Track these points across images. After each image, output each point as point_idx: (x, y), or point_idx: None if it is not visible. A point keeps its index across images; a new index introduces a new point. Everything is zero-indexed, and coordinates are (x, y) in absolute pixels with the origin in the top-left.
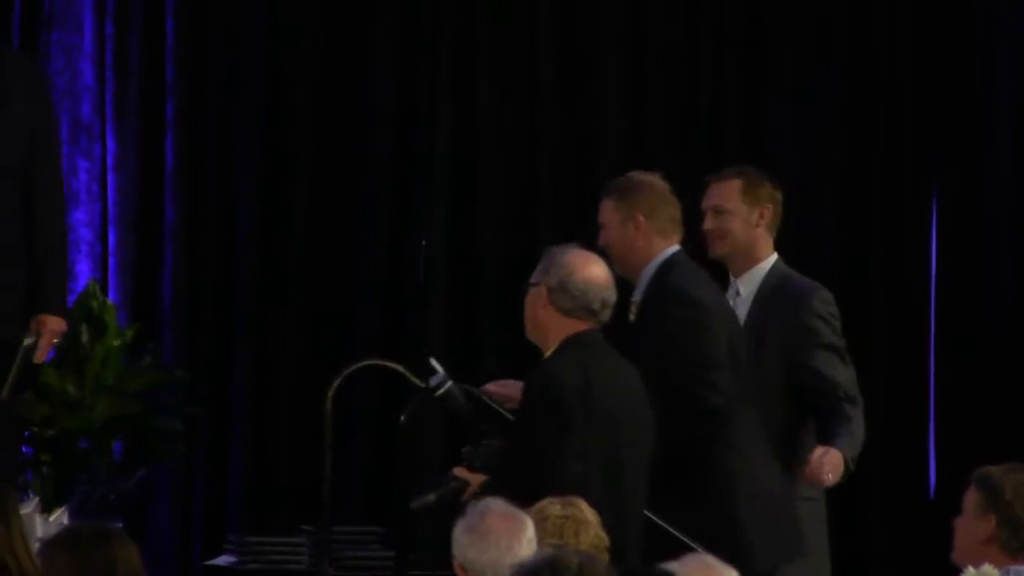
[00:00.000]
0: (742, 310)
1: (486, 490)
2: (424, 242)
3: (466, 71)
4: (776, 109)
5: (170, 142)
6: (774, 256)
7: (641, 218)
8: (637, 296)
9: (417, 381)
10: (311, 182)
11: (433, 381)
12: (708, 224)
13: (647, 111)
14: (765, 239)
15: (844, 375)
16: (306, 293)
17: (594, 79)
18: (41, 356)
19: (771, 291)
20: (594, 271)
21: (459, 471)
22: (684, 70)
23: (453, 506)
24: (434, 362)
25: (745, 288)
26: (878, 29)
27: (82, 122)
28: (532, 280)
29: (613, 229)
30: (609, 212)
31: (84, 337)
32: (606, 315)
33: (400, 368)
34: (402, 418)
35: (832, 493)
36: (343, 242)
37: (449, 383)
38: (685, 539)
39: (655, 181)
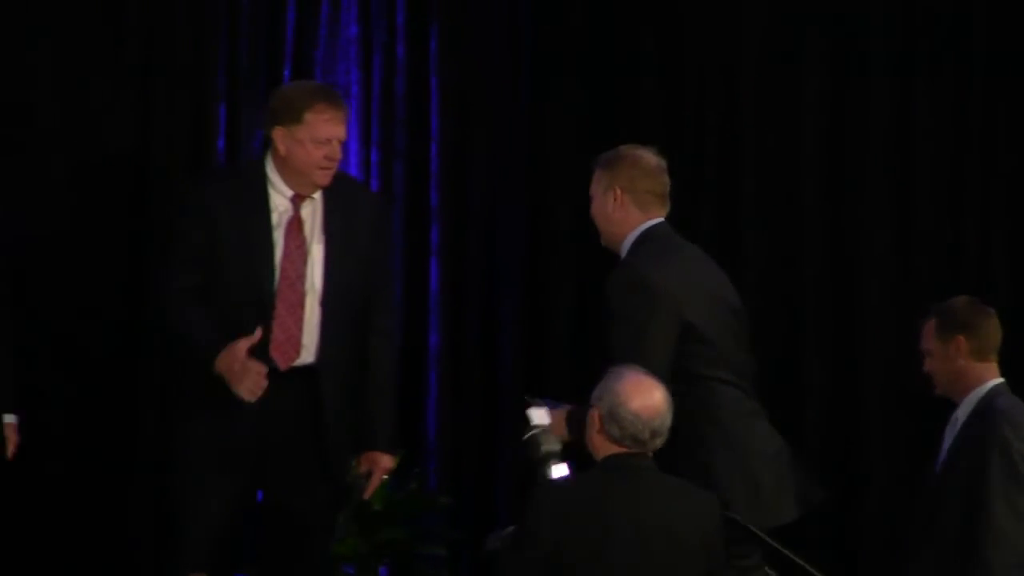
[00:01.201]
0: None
1: None
2: None
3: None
4: None
5: (434, 268)
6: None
7: (619, 190)
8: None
9: None
10: (570, 310)
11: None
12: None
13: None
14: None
15: None
16: None
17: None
18: (369, 493)
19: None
20: (646, 401)
21: None
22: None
23: None
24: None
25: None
26: None
27: None
28: (591, 401)
29: (595, 200)
30: (594, 183)
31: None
32: (657, 442)
33: None
34: None
35: None
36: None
37: (537, 431)
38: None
39: (641, 154)
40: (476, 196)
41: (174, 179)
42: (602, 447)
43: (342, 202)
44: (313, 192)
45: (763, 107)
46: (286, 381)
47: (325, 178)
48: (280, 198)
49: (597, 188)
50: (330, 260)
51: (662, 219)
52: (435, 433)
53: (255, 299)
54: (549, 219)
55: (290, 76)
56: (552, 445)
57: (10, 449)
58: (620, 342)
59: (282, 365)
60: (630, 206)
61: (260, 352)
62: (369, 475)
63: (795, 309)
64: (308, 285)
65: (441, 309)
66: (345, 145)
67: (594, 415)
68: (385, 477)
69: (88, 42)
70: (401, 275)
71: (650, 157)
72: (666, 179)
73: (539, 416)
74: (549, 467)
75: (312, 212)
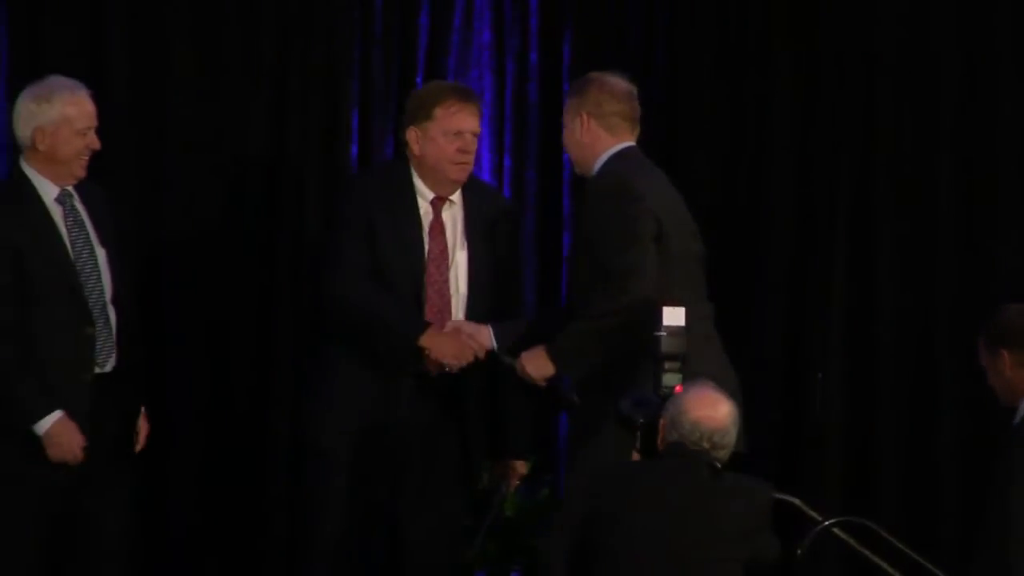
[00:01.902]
0: None
1: None
2: (820, 375)
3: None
4: None
5: (565, 274)
6: None
7: (586, 115)
8: (456, 192)
9: (816, 515)
10: None
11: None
12: None
13: None
14: None
15: None
16: None
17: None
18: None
19: None
20: (708, 412)
21: None
22: None
23: None
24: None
25: None
26: None
27: None
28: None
29: (566, 128)
30: (565, 112)
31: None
32: (720, 454)
33: (798, 503)
34: (798, 552)
35: None
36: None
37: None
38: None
39: (609, 79)
40: None
41: (307, 184)
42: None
43: (480, 206)
44: (452, 193)
45: (900, 108)
46: (430, 387)
47: (460, 172)
48: (422, 201)
49: (567, 116)
50: (473, 265)
51: (632, 143)
52: (566, 439)
53: (412, 298)
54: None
55: (422, 82)
56: (674, 348)
57: (141, 437)
58: (614, 250)
59: (434, 370)
60: (598, 129)
61: (414, 357)
62: (504, 481)
63: (929, 309)
64: (453, 290)
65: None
66: (478, 152)
67: (661, 423)
68: (517, 483)
69: (224, 47)
70: (532, 281)
71: (618, 81)
72: (635, 104)
73: (673, 316)
74: (664, 370)
75: (453, 216)
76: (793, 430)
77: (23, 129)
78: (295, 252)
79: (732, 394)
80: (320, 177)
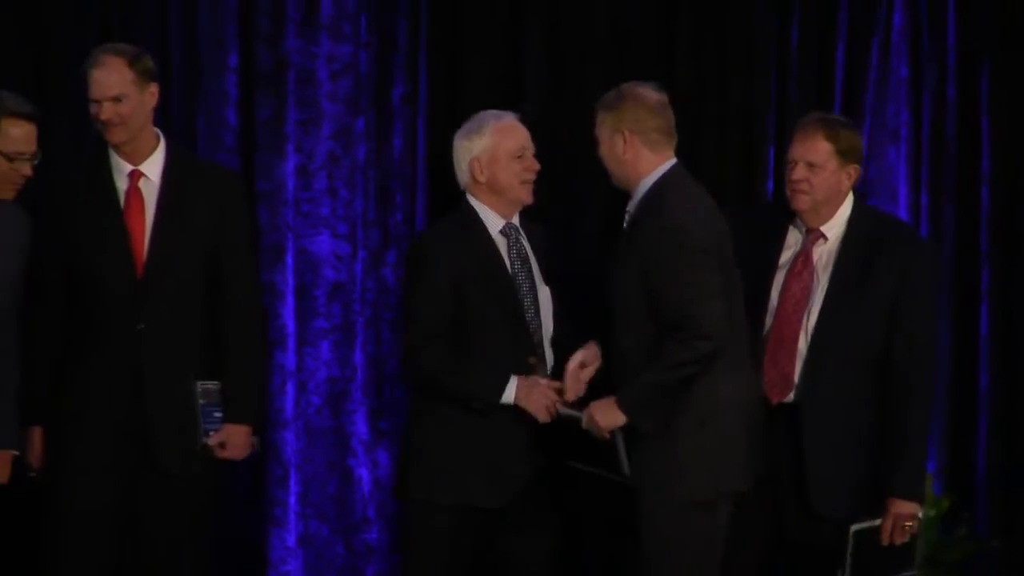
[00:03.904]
0: None
1: None
2: None
3: None
4: None
5: (984, 311)
6: None
7: (627, 132)
8: (631, 208)
9: None
10: None
11: None
12: None
13: None
14: None
15: None
16: None
17: None
18: (886, 539)
19: None
20: None
21: None
22: None
23: None
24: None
25: None
26: None
27: None
28: None
29: (603, 143)
30: (599, 126)
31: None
32: None
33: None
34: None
35: None
36: None
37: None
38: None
39: (643, 92)
40: None
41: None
42: None
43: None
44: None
45: None
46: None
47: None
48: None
49: (603, 130)
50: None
51: (675, 160)
52: (984, 476)
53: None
54: None
55: None
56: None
57: None
58: (685, 300)
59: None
60: (640, 147)
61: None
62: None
63: None
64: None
65: (991, 351)
66: (894, 187)
67: None
68: (908, 524)
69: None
70: (948, 317)
71: (652, 93)
72: (670, 114)
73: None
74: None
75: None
76: None
77: (461, 165)
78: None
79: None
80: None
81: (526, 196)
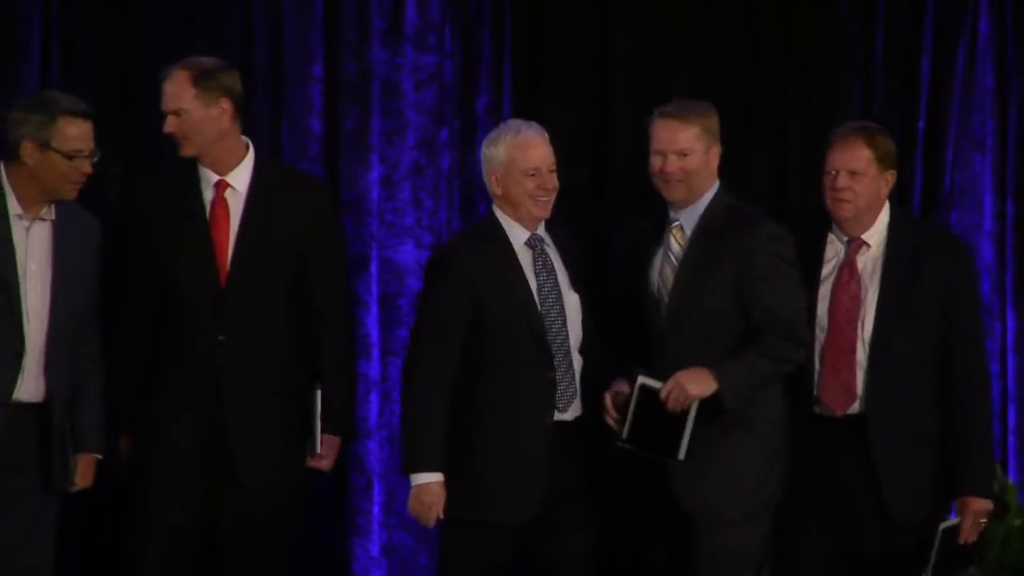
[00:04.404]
0: None
1: None
2: None
3: None
4: None
5: None
6: None
7: (718, 145)
8: (690, 219)
9: None
10: None
11: None
12: None
13: None
14: None
15: None
16: None
17: None
18: (964, 538)
19: None
20: None
21: None
22: None
23: None
24: None
25: None
26: None
27: (982, 301)
28: None
29: (698, 154)
30: (694, 138)
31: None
32: None
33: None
34: None
35: None
36: None
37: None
38: None
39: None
40: None
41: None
42: None
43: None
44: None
45: None
46: None
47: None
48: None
49: (700, 142)
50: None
51: None
52: None
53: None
54: None
55: (924, 127)
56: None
57: None
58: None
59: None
60: (715, 159)
61: None
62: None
63: None
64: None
65: None
66: (979, 197)
67: None
68: (982, 521)
69: (724, 93)
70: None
71: None
72: None
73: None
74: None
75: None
76: None
77: (484, 175)
78: None
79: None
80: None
81: (539, 212)
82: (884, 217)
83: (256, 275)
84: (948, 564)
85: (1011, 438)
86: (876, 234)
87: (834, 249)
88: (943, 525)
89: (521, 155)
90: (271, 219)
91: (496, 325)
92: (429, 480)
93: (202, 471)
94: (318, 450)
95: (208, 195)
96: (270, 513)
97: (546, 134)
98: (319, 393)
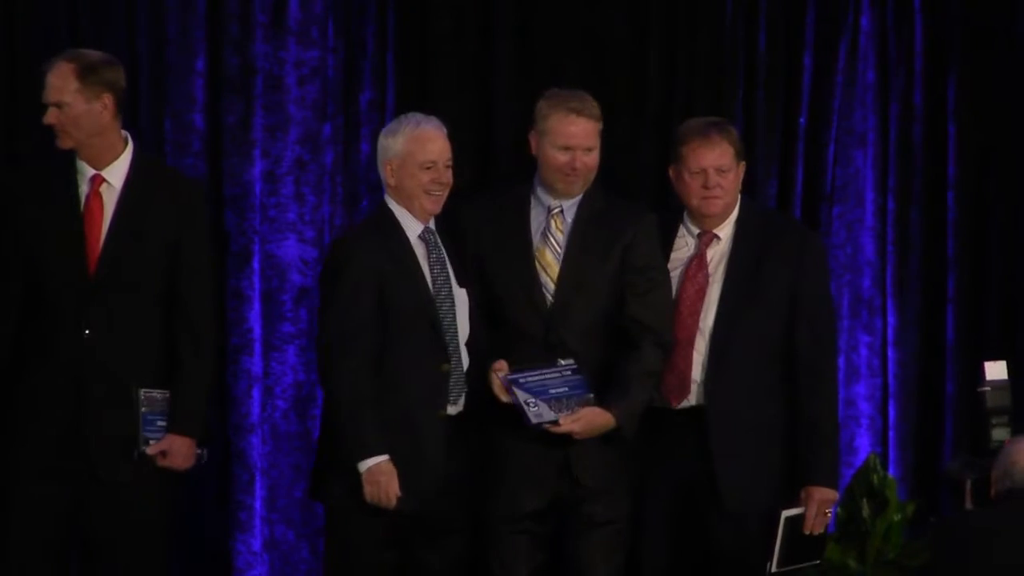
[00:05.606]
0: None
1: None
2: None
3: None
4: None
5: (950, 317)
6: None
7: (743, 164)
8: (725, 228)
9: None
10: None
11: None
12: None
13: None
14: None
15: None
16: None
17: None
18: (809, 527)
19: None
20: None
21: None
22: None
23: None
24: None
25: None
26: None
27: (862, 296)
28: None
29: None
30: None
31: (865, 512)
32: None
33: None
34: None
35: None
36: None
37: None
38: None
39: None
40: (994, 245)
41: None
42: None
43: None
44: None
45: None
46: None
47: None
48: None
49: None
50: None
51: None
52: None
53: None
54: None
55: (806, 124)
56: (1000, 402)
57: None
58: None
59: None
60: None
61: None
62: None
63: None
64: None
65: (958, 356)
66: (862, 192)
67: (992, 476)
68: (827, 512)
69: (613, 88)
70: (915, 323)
71: None
72: None
73: (995, 371)
74: (992, 425)
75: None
76: None
77: (379, 165)
78: None
79: None
80: None
81: (431, 206)
82: (735, 210)
83: (125, 271)
84: (794, 554)
85: (891, 433)
86: (727, 227)
87: (684, 242)
88: (786, 513)
89: (419, 148)
90: (143, 216)
91: (398, 317)
92: (378, 461)
93: (64, 466)
94: (142, 448)
95: (84, 188)
96: (137, 509)
97: (445, 129)
98: (142, 392)
